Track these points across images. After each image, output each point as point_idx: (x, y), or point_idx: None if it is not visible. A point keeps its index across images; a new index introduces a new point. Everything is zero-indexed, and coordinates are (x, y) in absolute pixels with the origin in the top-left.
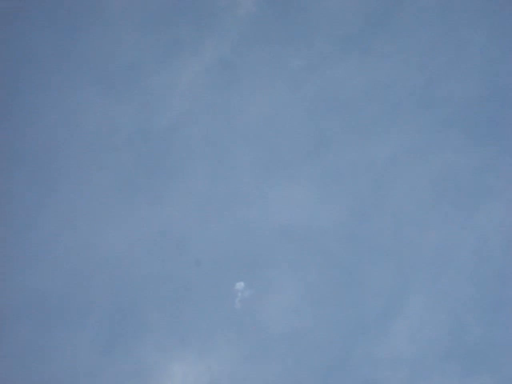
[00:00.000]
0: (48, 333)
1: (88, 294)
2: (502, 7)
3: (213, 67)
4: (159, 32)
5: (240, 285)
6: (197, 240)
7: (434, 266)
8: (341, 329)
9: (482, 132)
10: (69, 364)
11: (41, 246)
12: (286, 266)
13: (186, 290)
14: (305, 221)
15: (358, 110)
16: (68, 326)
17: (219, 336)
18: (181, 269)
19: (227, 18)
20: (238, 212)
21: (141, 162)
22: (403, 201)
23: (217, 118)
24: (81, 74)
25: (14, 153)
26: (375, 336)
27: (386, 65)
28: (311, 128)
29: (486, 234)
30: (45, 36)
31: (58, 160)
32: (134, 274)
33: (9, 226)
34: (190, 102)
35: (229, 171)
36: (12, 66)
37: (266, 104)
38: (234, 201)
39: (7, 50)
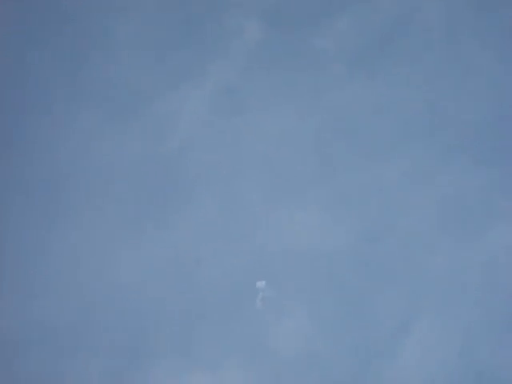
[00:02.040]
0: (60, 361)
1: (99, 322)
2: (509, 29)
3: (219, 92)
4: (165, 58)
5: (261, 283)
6: (207, 267)
7: (442, 288)
8: (350, 352)
9: (489, 153)
10: None
11: (51, 275)
12: (295, 289)
13: (198, 314)
14: (313, 244)
15: (365, 133)
16: (80, 354)
17: (231, 360)
18: (192, 294)
19: (233, 43)
20: (246, 236)
21: (149, 188)
22: (411, 223)
23: (224, 142)
24: (86, 101)
25: (19, 182)
26: (385, 359)
27: (392, 88)
28: (319, 151)
29: (495, 254)
30: (50, 63)
31: (65, 188)
32: (145, 300)
33: (18, 255)
34: (197, 127)
35: (237, 196)
36: (16, 94)
37: (273, 128)
38: (243, 225)
39: (10, 77)
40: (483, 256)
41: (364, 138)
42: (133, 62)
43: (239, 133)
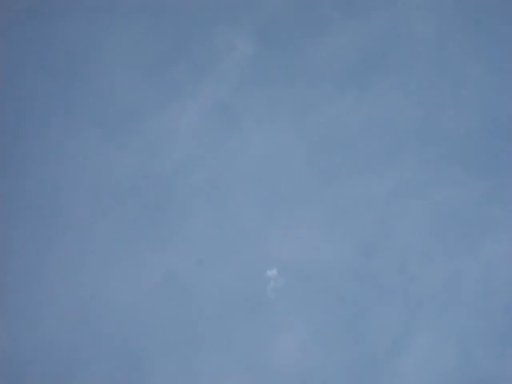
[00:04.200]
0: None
1: (95, 344)
2: (499, 40)
3: (212, 110)
4: (157, 76)
5: (272, 273)
6: (202, 284)
7: (440, 300)
8: (348, 367)
9: (482, 165)
10: None
11: (46, 297)
12: (292, 305)
13: (194, 335)
14: (309, 260)
15: (358, 147)
16: (76, 377)
17: (227, 380)
18: (188, 314)
19: (225, 60)
20: (242, 254)
21: (143, 208)
22: (407, 236)
23: (218, 160)
24: (80, 121)
25: (14, 203)
26: (383, 373)
27: (383, 101)
28: (312, 167)
29: (492, 265)
30: (41, 83)
31: (60, 209)
32: (140, 321)
33: (12, 278)
34: (191, 146)
35: (232, 213)
36: (9, 115)
37: (267, 145)
38: (238, 243)
39: (4, 98)
40: (480, 268)
41: (357, 153)
42: (125, 82)
43: (233, 150)
